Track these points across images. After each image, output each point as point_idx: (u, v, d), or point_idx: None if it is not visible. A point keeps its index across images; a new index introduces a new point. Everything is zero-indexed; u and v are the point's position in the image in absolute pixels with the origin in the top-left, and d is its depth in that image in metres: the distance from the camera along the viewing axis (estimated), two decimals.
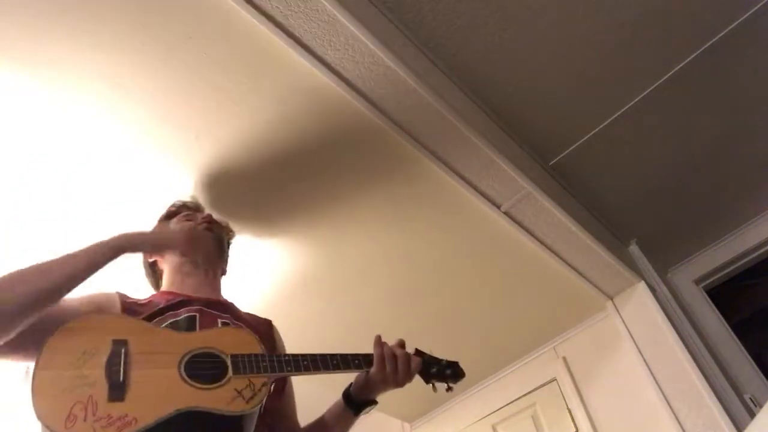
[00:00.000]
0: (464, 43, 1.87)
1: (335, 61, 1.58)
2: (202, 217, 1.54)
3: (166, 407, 0.94)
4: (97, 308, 1.15)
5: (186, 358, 1.02)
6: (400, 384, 1.25)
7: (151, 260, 1.49)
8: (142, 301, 1.25)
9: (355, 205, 2.09)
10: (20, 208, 1.86)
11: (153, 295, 1.33)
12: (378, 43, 1.54)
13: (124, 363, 0.97)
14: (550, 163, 2.35)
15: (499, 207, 2.09)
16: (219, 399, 0.98)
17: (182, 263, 1.35)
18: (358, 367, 1.24)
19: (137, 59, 1.58)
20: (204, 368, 1.00)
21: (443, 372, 1.38)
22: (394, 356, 1.25)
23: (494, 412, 2.87)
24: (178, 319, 1.16)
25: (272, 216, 2.06)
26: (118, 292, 1.25)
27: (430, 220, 2.19)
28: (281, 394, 1.28)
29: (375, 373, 1.22)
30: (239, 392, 1.01)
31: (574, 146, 2.30)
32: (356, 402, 1.29)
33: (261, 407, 1.09)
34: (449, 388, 1.37)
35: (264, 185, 1.96)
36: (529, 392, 2.80)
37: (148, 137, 1.76)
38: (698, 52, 2.05)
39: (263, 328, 1.37)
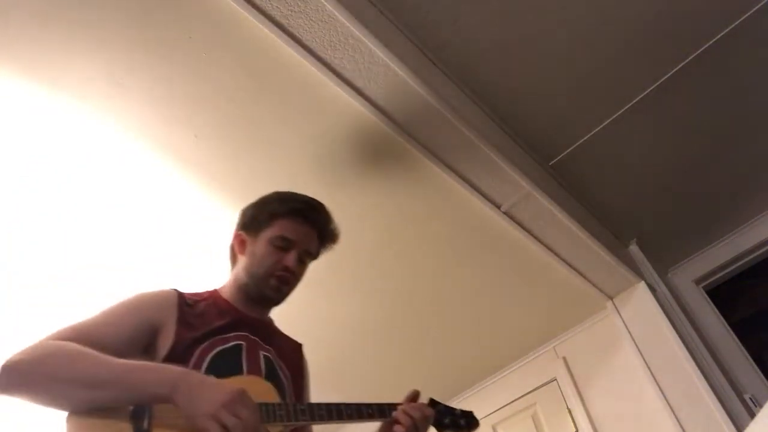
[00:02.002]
0: (464, 43, 1.87)
1: (335, 61, 1.58)
2: (286, 263, 1.33)
3: None
4: (152, 321, 1.17)
5: None
6: None
7: (234, 248, 1.43)
8: (198, 309, 1.26)
9: (356, 205, 2.09)
10: (20, 207, 1.86)
11: (212, 296, 1.33)
12: (378, 43, 1.54)
13: (149, 419, 1.00)
14: (550, 163, 2.35)
15: (499, 207, 2.09)
16: None
17: (242, 282, 1.34)
18: (371, 417, 1.23)
19: (137, 59, 1.58)
20: None
21: (457, 422, 1.40)
22: (410, 418, 1.23)
23: (494, 412, 2.87)
24: (225, 347, 1.20)
25: None
26: (176, 292, 1.26)
27: (430, 220, 2.19)
28: None
29: None
30: None
31: (574, 146, 2.30)
32: None
33: None
34: None
35: (264, 185, 1.96)
36: (529, 392, 2.80)
37: (148, 137, 1.76)
38: (698, 52, 2.05)
39: (294, 354, 1.40)
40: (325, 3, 1.43)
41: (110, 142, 1.75)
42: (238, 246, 1.39)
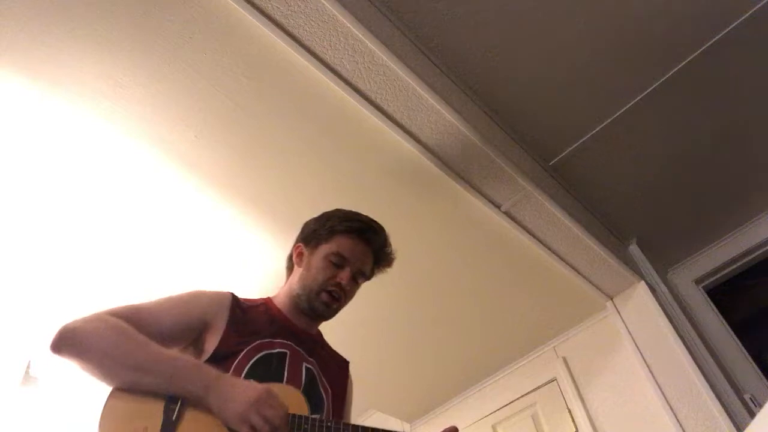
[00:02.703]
0: (464, 43, 1.87)
1: (335, 61, 1.59)
2: (340, 279, 1.35)
3: None
4: (203, 318, 1.22)
5: None
6: None
7: (293, 258, 1.46)
8: (250, 315, 1.30)
9: (356, 206, 2.08)
10: (19, 207, 1.86)
11: (265, 303, 1.37)
12: (378, 43, 1.54)
13: (182, 403, 1.06)
14: (550, 163, 2.35)
15: (499, 207, 2.09)
16: None
17: (295, 293, 1.36)
18: None
19: (138, 59, 1.59)
20: None
21: None
22: None
23: (494, 412, 2.87)
24: (271, 352, 1.23)
25: (273, 215, 2.06)
26: (231, 295, 1.30)
27: (429, 220, 2.19)
28: None
29: None
30: None
31: (574, 146, 2.30)
32: None
33: None
34: None
35: (264, 184, 1.96)
36: (529, 392, 2.80)
37: (148, 137, 1.76)
38: (698, 52, 2.05)
39: (339, 371, 1.42)
40: (325, 3, 1.43)
41: (110, 141, 1.75)
42: (296, 257, 1.43)
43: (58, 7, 1.46)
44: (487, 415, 2.87)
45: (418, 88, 1.66)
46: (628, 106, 2.19)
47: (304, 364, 1.28)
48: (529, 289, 2.53)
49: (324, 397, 1.27)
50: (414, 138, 1.82)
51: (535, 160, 2.28)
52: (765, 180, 2.65)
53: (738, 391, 2.38)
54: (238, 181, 1.93)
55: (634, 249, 2.79)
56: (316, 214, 1.47)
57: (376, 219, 1.48)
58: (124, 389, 1.06)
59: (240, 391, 1.06)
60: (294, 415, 1.09)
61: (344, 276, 1.35)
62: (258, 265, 2.19)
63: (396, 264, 2.32)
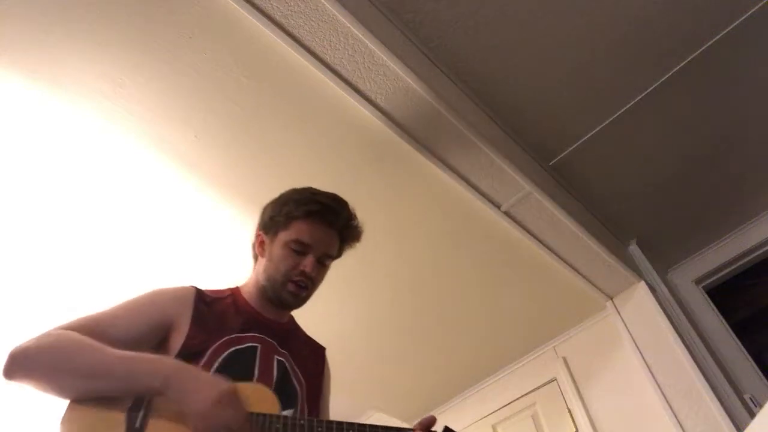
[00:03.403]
0: (464, 43, 1.87)
1: (335, 61, 1.59)
2: (304, 267, 1.28)
3: None
4: (165, 317, 1.17)
5: None
6: None
7: (255, 247, 1.40)
8: (216, 308, 1.24)
9: (356, 206, 2.08)
10: (19, 206, 1.86)
11: (232, 294, 1.31)
12: (378, 43, 1.54)
13: (145, 410, 1.00)
14: (550, 163, 2.35)
15: (499, 207, 2.09)
16: None
17: (261, 284, 1.31)
18: None
19: (138, 59, 1.59)
20: None
21: None
22: None
23: (494, 412, 2.87)
24: (240, 347, 1.18)
25: None
26: (195, 289, 1.24)
27: (430, 220, 2.19)
28: None
29: None
30: None
31: (574, 146, 2.30)
32: None
33: None
34: None
35: (264, 185, 1.96)
36: (529, 392, 2.81)
37: (148, 136, 1.76)
38: (698, 52, 2.05)
39: (315, 358, 1.37)
40: (326, 3, 1.43)
41: (110, 141, 1.75)
42: (258, 246, 1.36)
43: (58, 7, 1.46)
44: (487, 415, 2.87)
45: (417, 88, 1.66)
46: (628, 106, 2.19)
47: (276, 358, 1.22)
48: (529, 289, 2.53)
49: (298, 390, 1.23)
50: (414, 137, 1.82)
51: (535, 160, 2.28)
52: (765, 180, 2.65)
53: (738, 391, 2.38)
54: (238, 181, 1.93)
55: (634, 249, 2.79)
56: None
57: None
58: (82, 401, 1.00)
59: (202, 386, 1.00)
60: (262, 415, 1.05)
61: (308, 263, 1.28)
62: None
63: (396, 265, 2.33)
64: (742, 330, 2.77)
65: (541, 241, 2.24)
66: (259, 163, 1.90)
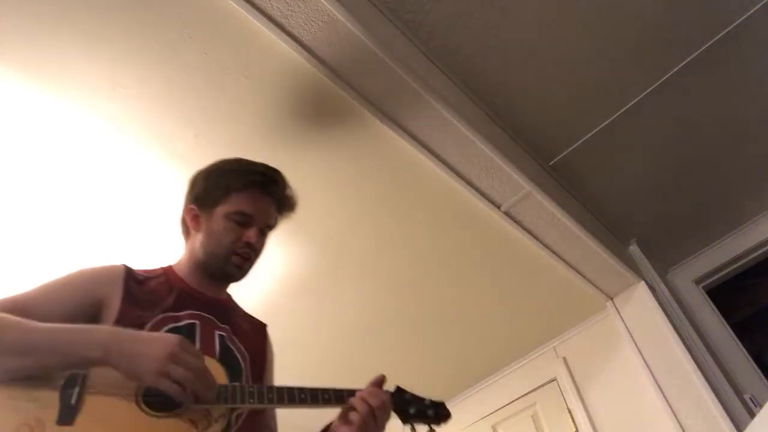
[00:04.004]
0: (464, 44, 1.87)
1: (335, 61, 1.58)
2: (248, 239, 1.25)
3: None
4: (94, 296, 1.12)
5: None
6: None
7: (187, 222, 1.34)
8: (149, 286, 1.20)
9: (357, 206, 2.09)
10: (19, 206, 1.86)
11: (165, 273, 1.27)
12: (378, 43, 1.54)
13: (80, 386, 0.93)
14: (550, 163, 2.35)
15: (499, 207, 2.09)
16: (171, 428, 0.95)
17: (200, 260, 1.26)
18: (327, 402, 1.13)
19: (138, 59, 1.59)
20: (162, 395, 0.95)
21: (424, 413, 1.27)
22: (367, 405, 1.14)
23: (494, 412, 2.87)
24: (177, 325, 1.13)
25: None
26: (125, 267, 1.19)
27: (430, 221, 2.19)
28: (255, 423, 1.21)
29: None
30: (194, 422, 0.97)
31: (574, 146, 2.30)
32: None
33: None
34: (431, 430, 1.25)
35: None
36: (529, 392, 2.81)
37: (148, 136, 1.76)
38: (698, 52, 2.05)
39: (256, 334, 1.33)
40: (325, 3, 1.43)
41: (110, 141, 1.75)
42: (191, 221, 1.30)
43: (57, 7, 1.46)
44: (487, 415, 2.87)
45: (416, 86, 1.66)
46: (628, 106, 2.19)
47: (217, 332, 1.18)
48: (529, 289, 2.53)
49: (242, 363, 1.19)
50: (415, 138, 1.82)
51: (535, 160, 2.28)
52: (765, 180, 2.65)
53: (738, 391, 2.38)
54: None
55: (634, 249, 2.79)
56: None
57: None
58: (7, 381, 0.91)
59: (148, 345, 0.94)
60: (219, 385, 1.00)
61: (251, 234, 1.25)
62: (259, 266, 2.18)
63: (396, 265, 2.33)
64: (742, 330, 2.77)
65: (541, 241, 2.24)
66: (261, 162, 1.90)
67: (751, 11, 1.95)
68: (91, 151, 1.76)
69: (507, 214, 2.11)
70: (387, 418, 1.18)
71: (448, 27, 1.82)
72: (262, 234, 1.31)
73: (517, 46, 1.92)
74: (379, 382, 1.22)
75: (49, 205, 1.87)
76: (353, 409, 1.13)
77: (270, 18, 1.48)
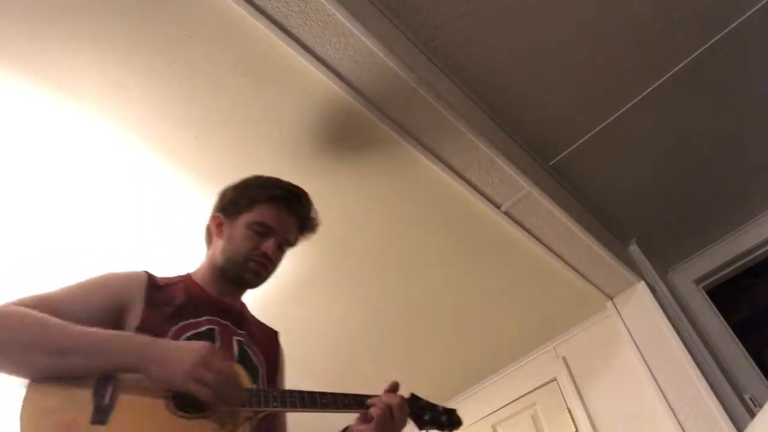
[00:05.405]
0: (464, 44, 1.87)
1: (335, 61, 1.58)
2: (265, 249, 1.29)
3: None
4: (119, 300, 1.15)
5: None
6: None
7: (211, 229, 1.39)
8: (169, 292, 1.23)
9: (357, 206, 2.09)
10: (19, 206, 1.86)
11: (184, 280, 1.31)
12: (378, 43, 1.54)
13: (113, 386, 0.96)
14: (550, 163, 2.35)
15: (499, 207, 2.09)
16: (202, 429, 0.99)
17: (219, 265, 1.30)
18: (347, 407, 1.19)
19: (138, 59, 1.59)
20: (192, 398, 0.98)
21: (438, 419, 1.34)
22: (386, 404, 1.21)
23: (494, 412, 2.87)
24: (198, 331, 1.17)
25: None
26: (147, 273, 1.23)
27: (430, 220, 2.19)
28: (270, 425, 1.25)
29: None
30: (222, 424, 1.01)
31: (574, 146, 2.30)
32: None
33: None
34: None
35: None
36: (529, 392, 2.81)
37: (148, 136, 1.76)
38: (698, 52, 2.05)
39: (269, 341, 1.37)
40: (326, 3, 1.43)
41: (110, 141, 1.75)
42: (215, 228, 1.35)
43: (57, 7, 1.46)
44: (487, 415, 2.87)
45: (417, 87, 1.66)
46: (628, 106, 2.19)
47: (235, 338, 1.23)
48: (529, 289, 2.53)
49: (259, 368, 1.23)
50: (415, 138, 1.82)
51: (535, 160, 2.28)
52: (764, 180, 2.65)
53: (738, 391, 2.38)
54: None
55: (634, 249, 2.79)
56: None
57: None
58: (44, 379, 0.94)
59: (179, 352, 0.99)
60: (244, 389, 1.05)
61: (269, 246, 1.29)
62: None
63: (396, 265, 2.33)
64: (742, 330, 2.77)
65: (541, 241, 2.24)
66: (260, 163, 1.89)
67: (751, 11, 1.95)
68: (91, 151, 1.76)
69: (507, 214, 2.11)
70: (403, 419, 1.24)
71: (449, 27, 1.82)
72: (280, 248, 1.35)
73: (517, 45, 1.92)
74: (395, 387, 1.29)
75: (49, 205, 1.87)
76: (372, 406, 1.20)
77: (270, 18, 1.48)
